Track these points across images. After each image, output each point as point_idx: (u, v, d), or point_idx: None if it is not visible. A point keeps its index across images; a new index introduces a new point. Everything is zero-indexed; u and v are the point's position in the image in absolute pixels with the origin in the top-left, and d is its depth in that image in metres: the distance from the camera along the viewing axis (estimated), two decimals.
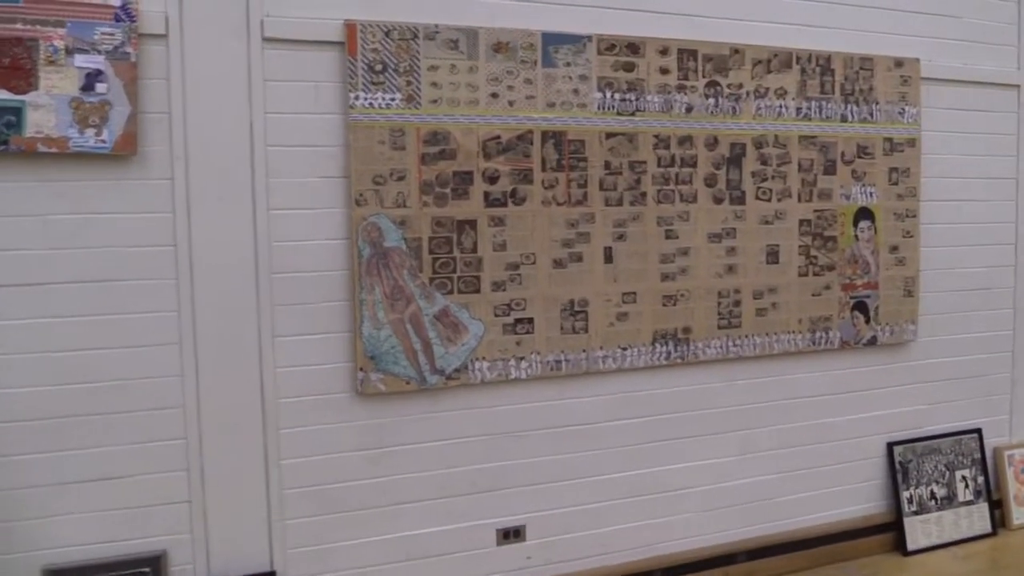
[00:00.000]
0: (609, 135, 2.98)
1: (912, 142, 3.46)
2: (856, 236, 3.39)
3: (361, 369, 2.73)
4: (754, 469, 3.35)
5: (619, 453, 3.13)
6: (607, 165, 2.98)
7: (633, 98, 3.01)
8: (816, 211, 3.32)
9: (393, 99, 2.71)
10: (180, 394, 2.60)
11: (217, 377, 2.62)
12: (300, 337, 2.70)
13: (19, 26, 2.37)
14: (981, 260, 3.69)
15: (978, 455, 3.70)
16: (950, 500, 3.63)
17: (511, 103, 2.85)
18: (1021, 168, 3.75)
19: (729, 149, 3.16)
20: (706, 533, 3.30)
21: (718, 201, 3.16)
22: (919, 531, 3.54)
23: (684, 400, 3.21)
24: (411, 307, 2.77)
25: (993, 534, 3.67)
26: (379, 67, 2.69)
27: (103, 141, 2.46)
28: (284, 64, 2.64)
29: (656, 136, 3.05)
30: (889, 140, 3.42)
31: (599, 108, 2.97)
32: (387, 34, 2.69)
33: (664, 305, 3.11)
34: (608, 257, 3.01)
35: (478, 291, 2.85)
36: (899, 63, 3.42)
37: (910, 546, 3.51)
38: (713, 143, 3.13)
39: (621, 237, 3.02)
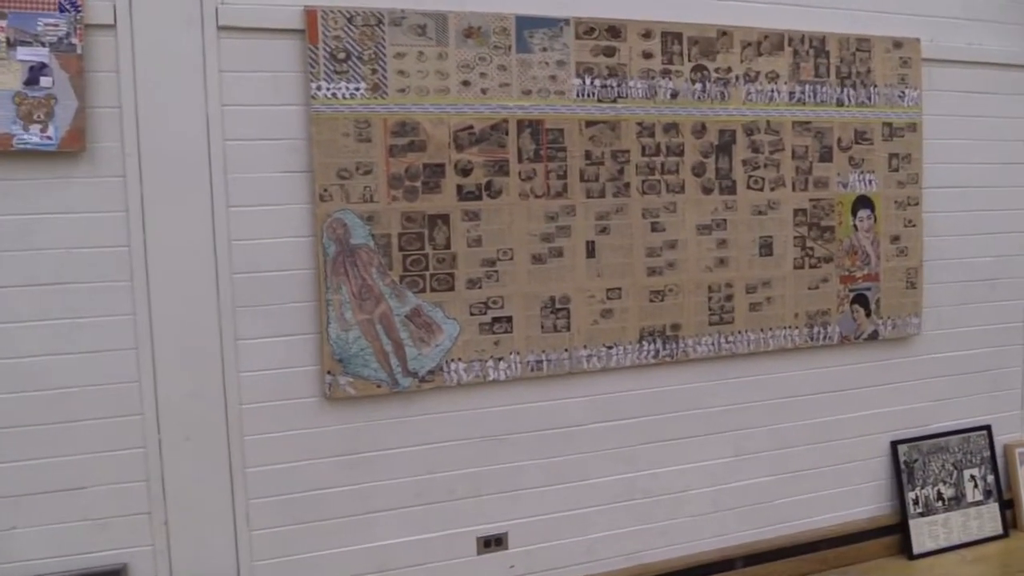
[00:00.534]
0: (589, 123, 2.84)
1: (913, 127, 3.29)
2: (855, 226, 3.23)
3: (329, 372, 2.60)
4: (750, 471, 3.20)
5: (606, 456, 2.99)
6: (588, 155, 2.84)
7: (614, 84, 2.86)
8: (812, 200, 3.16)
9: (358, 89, 2.58)
10: (138, 401, 2.48)
11: (177, 383, 2.50)
12: (264, 340, 2.58)
13: None
14: (988, 249, 3.51)
15: (987, 453, 3.53)
16: (958, 501, 3.46)
17: (484, 91, 2.71)
18: None
19: (718, 136, 3.00)
20: (701, 538, 3.16)
21: (707, 191, 3.01)
22: (925, 533, 3.38)
23: (674, 400, 3.06)
24: (381, 307, 2.64)
25: (1004, 536, 3.50)
26: (342, 55, 2.56)
27: (49, 138, 2.34)
28: (241, 54, 2.51)
29: (639, 124, 2.90)
30: (889, 125, 3.25)
31: (578, 95, 2.82)
32: (350, 20, 2.56)
33: (651, 301, 2.96)
34: (591, 251, 2.87)
35: (452, 289, 2.72)
36: (898, 44, 3.25)
37: (916, 549, 3.36)
38: (701, 130, 2.98)
39: (604, 230, 2.88)
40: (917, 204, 3.32)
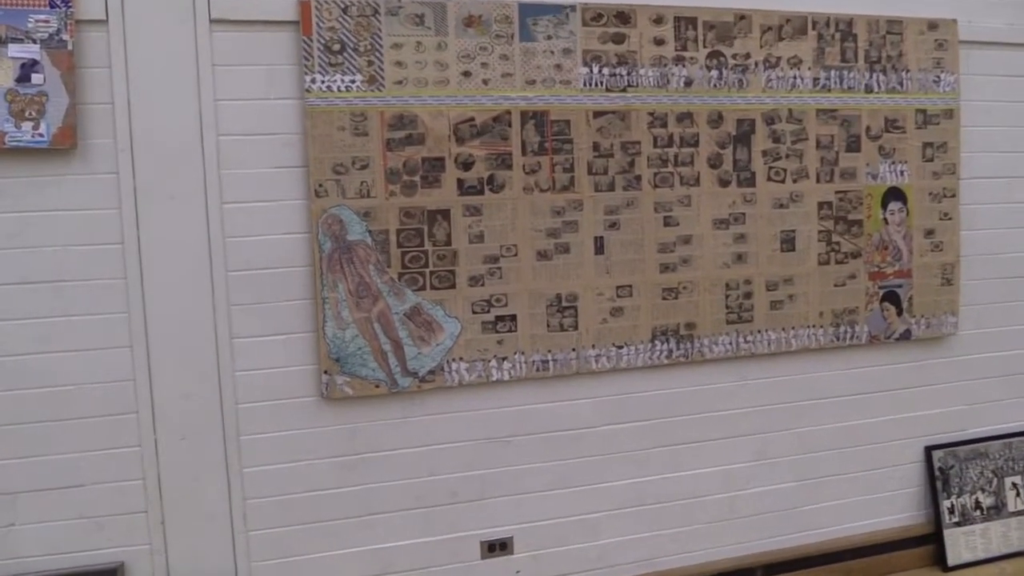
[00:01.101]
0: (597, 114, 2.72)
1: (950, 113, 3.10)
2: (885, 219, 3.06)
3: (326, 372, 2.55)
4: (772, 476, 3.06)
5: (617, 459, 2.88)
6: (596, 147, 2.73)
7: (624, 72, 2.74)
8: (838, 192, 3.00)
9: (353, 81, 2.51)
10: (133, 400, 2.46)
11: (172, 382, 2.47)
12: (260, 338, 2.54)
13: None
14: None
15: None
16: (998, 510, 3.27)
17: (485, 82, 2.62)
18: None
19: (735, 126, 2.86)
20: (719, 545, 3.03)
21: (724, 183, 2.87)
22: (962, 544, 3.20)
23: (690, 402, 2.94)
24: (379, 305, 2.58)
25: None
26: (337, 47, 2.49)
27: (40, 135, 2.32)
28: (234, 47, 2.46)
29: (651, 114, 2.77)
30: (923, 112, 3.06)
31: (585, 84, 2.71)
32: (345, 11, 2.49)
33: (664, 299, 2.84)
34: (599, 247, 2.76)
35: (453, 286, 2.64)
36: (933, 25, 3.06)
37: (951, 560, 3.18)
38: (717, 120, 2.84)
39: (614, 225, 2.77)
40: (954, 196, 3.13)
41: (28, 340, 2.37)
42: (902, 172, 3.06)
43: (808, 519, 3.12)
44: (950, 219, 3.13)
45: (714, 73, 2.83)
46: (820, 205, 2.98)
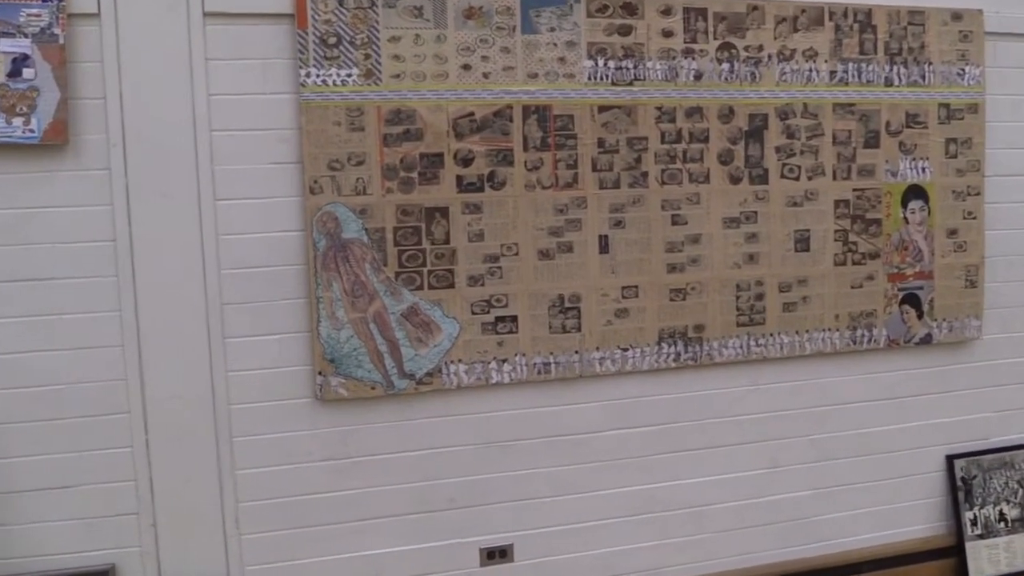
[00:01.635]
0: (602, 108, 2.64)
1: (974, 108, 2.96)
2: (905, 218, 2.93)
3: (320, 373, 2.49)
4: (786, 484, 2.96)
5: (622, 466, 2.80)
6: (601, 143, 2.64)
7: (630, 66, 2.65)
8: (856, 190, 2.88)
9: (349, 75, 2.45)
10: (125, 399, 2.42)
11: (164, 381, 2.43)
12: (253, 338, 2.49)
13: None
14: None
15: None
16: (1023, 523, 3.13)
17: (486, 75, 2.54)
18: None
19: (747, 121, 2.76)
20: (729, 555, 2.94)
21: (735, 181, 2.77)
22: (984, 557, 3.07)
23: (698, 407, 2.84)
24: (375, 305, 2.51)
25: None
26: (333, 40, 2.43)
27: (31, 131, 2.29)
28: (228, 41, 2.41)
29: (659, 108, 2.68)
30: (946, 106, 2.94)
31: (590, 78, 2.62)
32: (341, 3, 2.42)
33: (672, 300, 2.75)
34: (604, 247, 2.67)
35: (452, 286, 2.56)
36: (957, 16, 2.93)
37: (973, 574, 3.05)
38: (728, 114, 2.74)
39: (619, 224, 2.68)
40: (978, 194, 3.00)
41: (18, 338, 2.34)
42: (923, 169, 2.93)
43: (823, 529, 3.01)
44: (974, 218, 3.00)
45: (725, 66, 2.73)
46: (836, 203, 2.86)
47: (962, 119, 2.95)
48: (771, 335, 2.84)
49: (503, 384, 2.64)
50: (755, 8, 2.73)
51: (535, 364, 2.65)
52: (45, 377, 2.37)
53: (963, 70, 2.94)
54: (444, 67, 2.51)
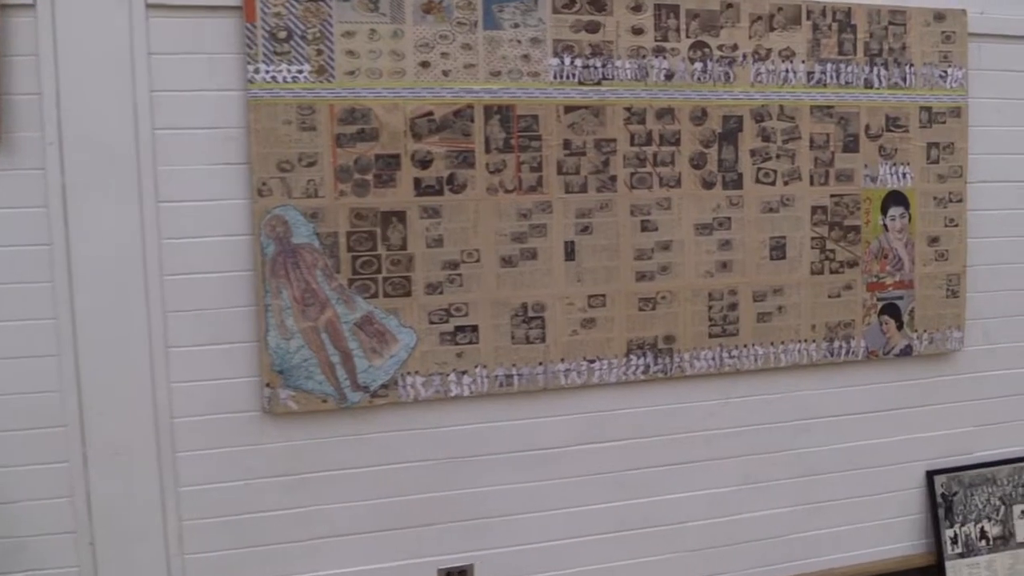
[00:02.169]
0: (569, 109, 2.52)
1: (957, 111, 2.86)
2: (885, 225, 2.83)
3: (268, 385, 2.36)
4: (760, 502, 2.85)
5: (589, 482, 2.68)
6: (567, 144, 2.53)
7: (598, 64, 2.54)
8: (834, 196, 2.77)
9: (300, 71, 2.32)
10: (60, 412, 2.29)
11: (102, 393, 2.30)
12: (198, 348, 2.36)
13: None
14: None
15: None
16: (1005, 541, 3.03)
17: (446, 73, 2.42)
18: None
19: (721, 123, 2.65)
20: (703, 575, 2.81)
21: (708, 185, 2.66)
22: None
23: (669, 421, 2.73)
24: (326, 313, 2.39)
25: None
26: (283, 34, 2.30)
27: None
28: (172, 35, 2.28)
29: (628, 109, 2.57)
30: (927, 110, 2.83)
31: (556, 77, 2.51)
32: None
33: (641, 310, 2.63)
34: (570, 253, 2.56)
35: (409, 294, 2.44)
36: (940, 16, 2.82)
37: None
38: (701, 116, 2.63)
39: (586, 230, 2.56)
40: (960, 201, 2.89)
41: None
42: (904, 174, 2.83)
43: (799, 547, 2.90)
44: (956, 226, 2.89)
45: (698, 66, 2.62)
46: (813, 209, 2.76)
47: (944, 123, 2.85)
48: (745, 346, 2.73)
49: (463, 397, 2.52)
50: (729, 6, 2.62)
51: (497, 376, 2.53)
52: None
53: (946, 72, 2.84)
54: (401, 64, 2.39)
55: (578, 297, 2.58)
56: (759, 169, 2.69)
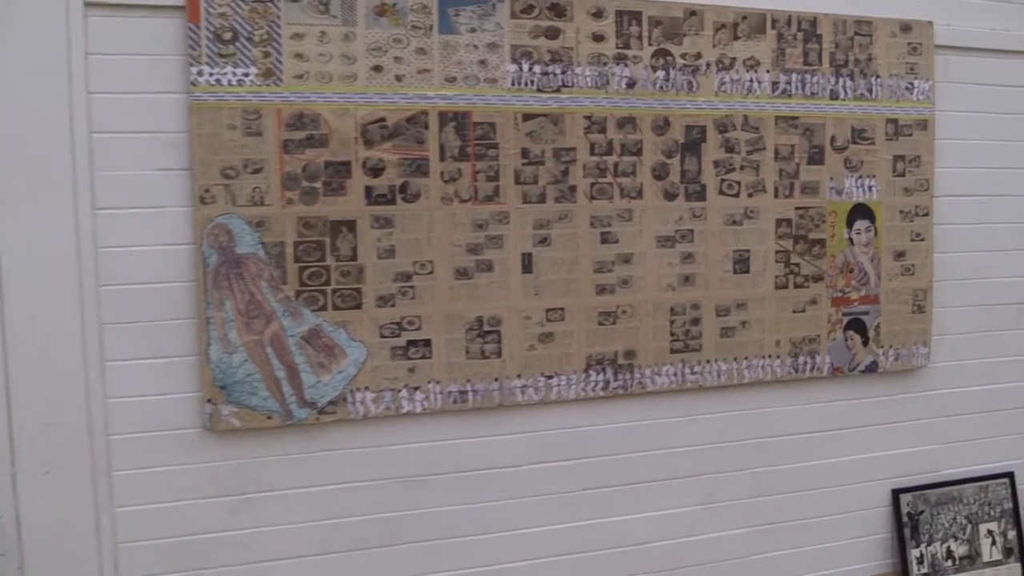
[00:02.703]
0: (527, 116, 2.44)
1: (923, 124, 2.82)
2: (850, 239, 2.77)
3: (210, 401, 2.26)
4: (722, 521, 2.78)
5: (547, 502, 2.60)
6: (525, 153, 2.45)
7: (558, 71, 2.46)
8: (799, 209, 2.72)
9: (247, 74, 2.23)
10: None
11: (34, 408, 2.18)
12: (136, 362, 2.25)
13: None
14: (1013, 268, 3.01)
15: (1009, 504, 3.04)
16: (972, 560, 2.97)
17: (399, 78, 2.34)
18: None
19: (684, 133, 2.58)
20: None
21: (670, 197, 2.59)
22: None
23: (629, 439, 2.65)
24: (272, 326, 2.29)
25: None
26: (228, 35, 2.21)
27: None
28: (111, 34, 2.18)
29: (588, 118, 2.49)
30: (893, 122, 2.78)
31: (514, 83, 2.43)
32: None
33: (600, 324, 2.55)
34: (527, 266, 2.48)
35: (359, 307, 2.35)
36: (907, 27, 2.78)
37: None
38: (663, 126, 2.56)
39: (544, 241, 2.48)
40: (927, 215, 2.84)
41: None
42: (870, 188, 2.77)
43: (762, 568, 2.83)
44: (923, 240, 2.84)
45: (660, 74, 2.55)
46: (778, 222, 2.69)
47: (911, 136, 2.80)
48: (708, 362, 2.66)
49: (415, 414, 2.43)
50: (693, 13, 2.56)
51: (450, 392, 2.44)
52: None
53: (912, 84, 2.79)
54: (352, 68, 2.30)
55: (536, 311, 2.49)
56: (723, 180, 2.63)
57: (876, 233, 2.79)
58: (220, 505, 2.33)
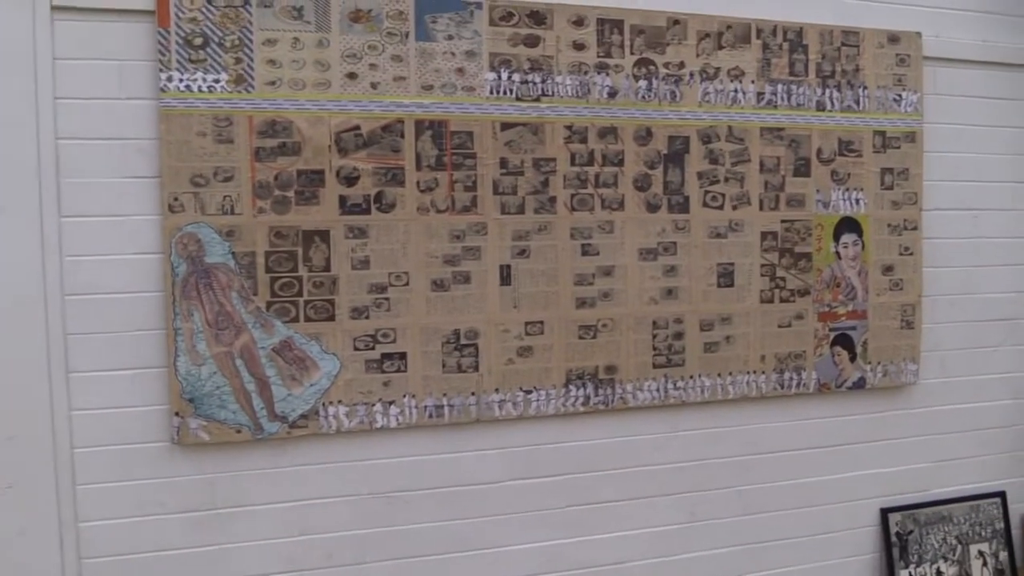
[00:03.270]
0: (506, 125, 2.40)
1: (911, 136, 2.77)
2: (837, 253, 2.72)
3: (177, 414, 2.20)
4: (706, 540, 2.71)
5: (525, 520, 2.54)
6: (504, 163, 2.40)
7: (538, 80, 2.42)
8: (784, 222, 2.67)
9: (217, 80, 2.19)
10: None
11: None
12: (101, 373, 2.20)
13: None
14: (1003, 283, 2.96)
15: (1000, 525, 2.97)
16: None
17: (374, 85, 2.30)
18: None
19: (667, 144, 2.54)
20: None
21: (653, 208, 2.54)
22: None
23: (610, 455, 2.59)
24: (242, 338, 2.24)
25: None
26: (199, 41, 2.17)
27: None
28: (79, 39, 2.14)
29: (569, 127, 2.45)
30: (881, 134, 2.74)
31: (492, 92, 2.39)
32: (209, 0, 2.16)
33: (581, 338, 2.50)
34: (505, 278, 2.42)
35: (332, 319, 2.30)
36: (894, 38, 2.74)
37: None
38: (646, 136, 2.52)
39: (523, 253, 2.43)
40: (915, 228, 2.79)
41: None
42: (857, 200, 2.73)
43: None
44: (911, 254, 2.79)
45: (643, 83, 2.50)
46: (763, 235, 2.65)
47: (899, 148, 2.76)
48: (691, 377, 2.61)
49: (389, 429, 2.37)
50: (676, 22, 2.52)
51: (426, 407, 2.39)
52: None
53: (900, 96, 2.75)
54: (326, 75, 2.26)
55: (514, 324, 2.44)
56: (706, 192, 2.58)
57: (863, 247, 2.74)
58: (188, 520, 2.27)
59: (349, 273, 2.30)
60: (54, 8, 2.12)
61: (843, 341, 2.74)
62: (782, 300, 2.68)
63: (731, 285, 2.62)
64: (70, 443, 2.19)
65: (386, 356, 2.35)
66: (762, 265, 2.65)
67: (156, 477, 2.25)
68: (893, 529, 2.86)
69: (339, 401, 2.32)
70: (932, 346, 2.87)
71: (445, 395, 2.40)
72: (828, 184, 2.69)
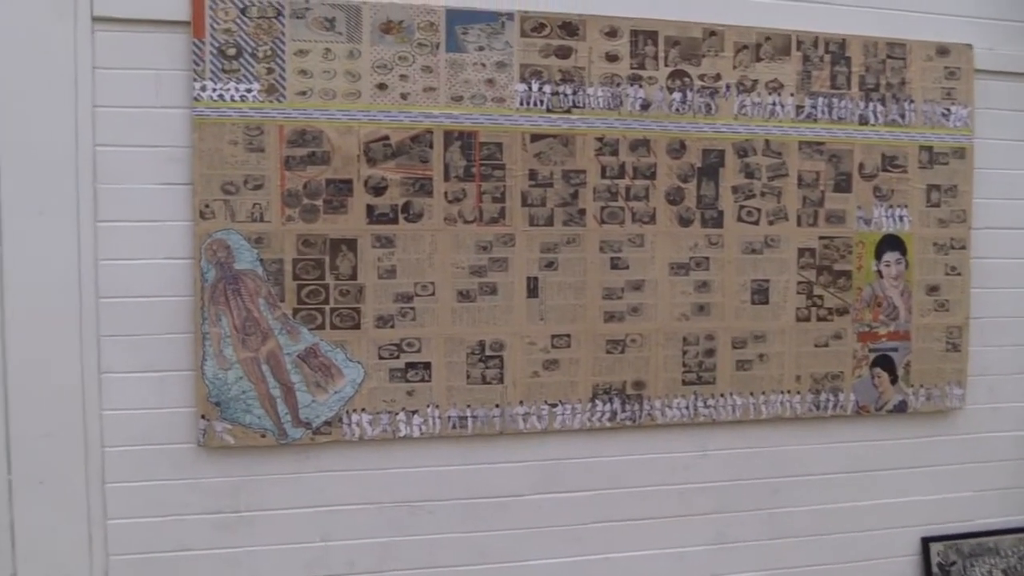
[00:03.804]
0: (536, 137, 2.39)
1: (961, 152, 2.67)
2: (879, 271, 2.64)
3: (204, 417, 2.24)
4: (734, 563, 2.65)
5: (548, 534, 2.51)
6: (533, 175, 2.39)
7: (569, 92, 2.40)
8: (823, 238, 2.59)
9: (249, 90, 2.22)
10: None
11: (30, 418, 2.19)
12: (132, 375, 2.25)
13: None
14: None
15: None
16: None
17: (404, 96, 2.31)
18: None
19: (701, 157, 2.49)
20: None
21: (685, 223, 2.50)
22: None
23: (636, 472, 2.55)
24: (268, 344, 2.27)
25: None
26: (232, 51, 2.21)
27: None
28: (118, 49, 2.20)
29: (600, 139, 2.42)
30: (928, 149, 2.64)
31: (522, 103, 2.38)
32: (243, 11, 2.21)
33: (608, 352, 2.47)
34: (532, 290, 2.41)
35: (357, 327, 2.31)
36: (944, 50, 2.64)
37: None
38: (679, 149, 2.48)
39: (550, 265, 2.41)
40: (963, 248, 2.69)
41: None
42: (901, 218, 2.64)
43: None
44: (959, 275, 2.69)
45: (677, 96, 2.47)
46: (800, 252, 2.58)
47: (947, 164, 2.66)
48: (722, 396, 2.55)
49: (412, 438, 2.38)
50: (712, 33, 2.48)
51: (450, 417, 2.38)
52: None
53: (949, 110, 2.65)
54: (357, 85, 2.28)
55: (540, 336, 2.42)
56: (742, 207, 2.53)
57: (907, 266, 2.65)
58: (211, 522, 2.31)
59: (375, 282, 2.31)
60: (95, 19, 2.18)
61: (884, 363, 2.65)
62: (819, 319, 2.60)
63: (766, 302, 2.56)
64: (100, 442, 2.24)
65: (410, 365, 2.35)
66: (799, 282, 2.58)
67: (181, 478, 2.29)
68: (935, 560, 2.75)
69: (363, 409, 2.33)
70: (980, 370, 2.75)
71: (469, 406, 2.39)
72: (870, 200, 2.61)
